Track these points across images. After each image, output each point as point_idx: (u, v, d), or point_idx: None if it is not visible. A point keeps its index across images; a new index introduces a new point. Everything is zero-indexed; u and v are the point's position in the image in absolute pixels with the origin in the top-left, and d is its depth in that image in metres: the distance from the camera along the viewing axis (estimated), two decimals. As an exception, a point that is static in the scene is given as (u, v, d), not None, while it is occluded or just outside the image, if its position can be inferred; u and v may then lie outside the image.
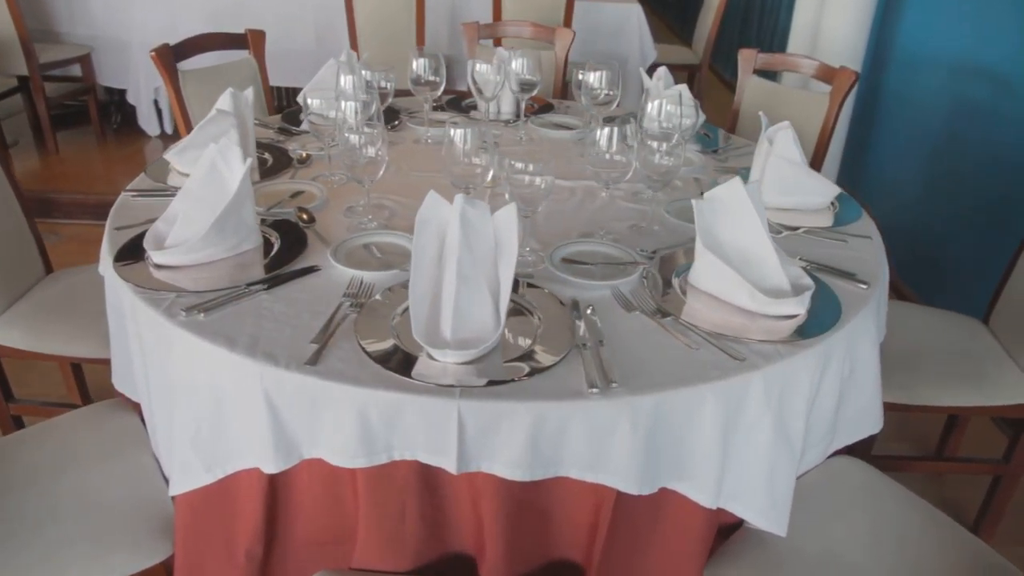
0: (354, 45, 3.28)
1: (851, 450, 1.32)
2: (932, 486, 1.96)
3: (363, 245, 1.28)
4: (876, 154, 3.05)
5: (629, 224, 1.42)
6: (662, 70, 1.85)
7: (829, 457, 1.28)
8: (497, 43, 2.95)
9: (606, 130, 1.26)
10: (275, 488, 1.08)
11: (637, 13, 3.57)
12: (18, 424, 1.82)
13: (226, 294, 1.12)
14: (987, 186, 2.38)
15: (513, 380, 0.95)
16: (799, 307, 1.13)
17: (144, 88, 3.82)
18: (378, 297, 1.12)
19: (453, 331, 1.00)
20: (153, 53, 2.08)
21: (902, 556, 1.15)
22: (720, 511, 1.07)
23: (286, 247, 1.26)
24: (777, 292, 1.14)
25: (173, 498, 1.19)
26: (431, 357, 0.99)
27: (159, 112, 3.94)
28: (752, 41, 4.45)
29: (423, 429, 0.95)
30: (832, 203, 1.55)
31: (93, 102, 3.93)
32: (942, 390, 1.59)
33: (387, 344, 1.02)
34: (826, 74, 2.18)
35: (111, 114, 4.19)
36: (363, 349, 1.00)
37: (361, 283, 1.16)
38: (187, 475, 1.07)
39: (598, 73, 1.68)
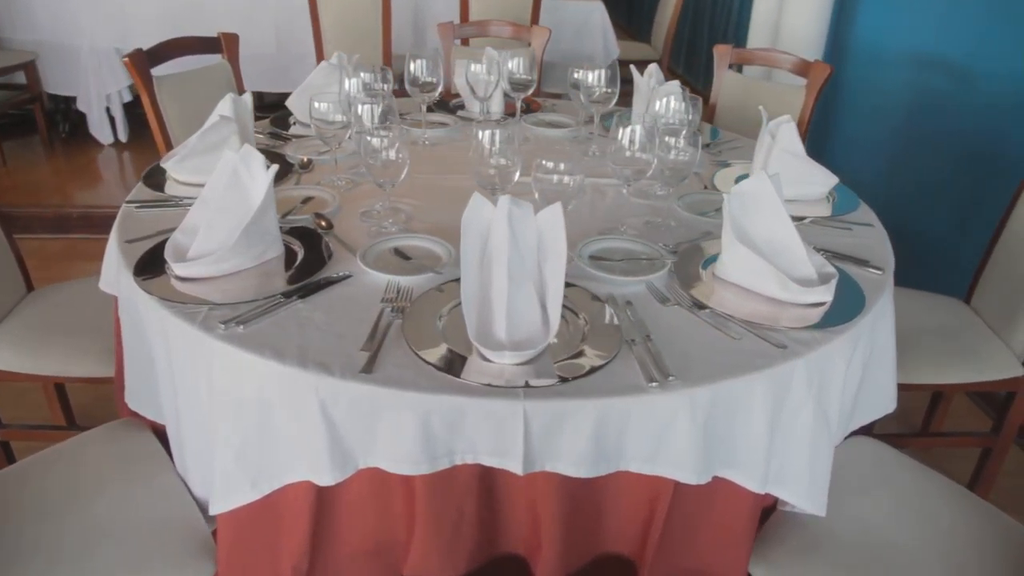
0: (319, 47, 3.22)
1: (856, 430, 1.37)
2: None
3: (390, 249, 1.27)
4: (838, 144, 3.16)
5: (644, 220, 1.44)
6: (653, 67, 1.88)
7: (846, 438, 1.33)
8: (464, 43, 2.95)
9: (629, 128, 1.28)
10: (322, 500, 1.06)
11: (600, 11, 3.61)
12: (5, 450, 1.74)
13: (261, 305, 1.09)
14: (950, 174, 2.49)
15: (577, 378, 0.96)
16: (827, 295, 1.17)
17: (95, 95, 3.68)
18: (419, 301, 1.11)
19: (508, 332, 1.00)
20: (127, 59, 2.00)
21: (929, 527, 1.20)
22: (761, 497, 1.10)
23: (312, 255, 1.24)
24: (806, 281, 1.17)
25: (213, 517, 1.17)
26: (485, 359, 0.99)
27: (111, 120, 3.80)
28: (707, 37, 4.55)
29: (487, 432, 0.94)
30: (830, 193, 1.60)
31: (40, 110, 3.76)
32: (935, 368, 1.67)
33: (440, 348, 1.01)
34: (801, 68, 2.25)
35: (59, 123, 4.01)
36: (417, 354, 0.99)
37: (398, 288, 1.15)
38: (232, 492, 1.04)
39: (597, 72, 1.69)
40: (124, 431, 1.34)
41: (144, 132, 2.32)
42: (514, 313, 1.01)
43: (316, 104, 1.43)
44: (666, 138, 1.31)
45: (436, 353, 1.00)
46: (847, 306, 1.17)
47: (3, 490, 1.19)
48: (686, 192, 1.56)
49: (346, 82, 1.53)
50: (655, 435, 0.98)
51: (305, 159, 1.64)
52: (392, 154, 1.25)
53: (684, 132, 1.32)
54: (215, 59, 2.30)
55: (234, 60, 2.30)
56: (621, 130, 1.28)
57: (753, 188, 1.20)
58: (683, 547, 1.11)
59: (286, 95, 2.02)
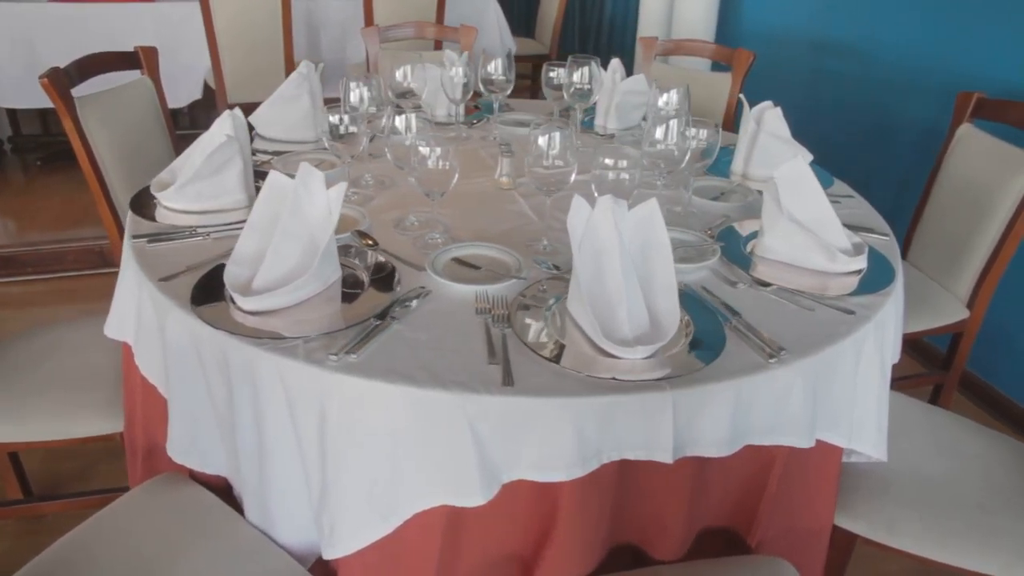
0: (214, 56, 3.01)
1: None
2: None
3: (451, 260, 1.24)
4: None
5: (666, 209, 1.49)
6: (615, 62, 1.95)
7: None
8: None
9: (664, 124, 1.32)
10: (451, 521, 1.03)
11: (494, 7, 3.64)
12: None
13: (359, 331, 1.04)
14: (852, 147, 2.77)
15: (710, 363, 1.00)
16: (864, 262, 1.28)
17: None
18: (517, 308, 1.10)
19: (633, 328, 1.02)
20: (44, 79, 1.79)
21: (960, 457, 1.35)
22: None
23: (376, 274, 1.19)
24: (847, 251, 1.28)
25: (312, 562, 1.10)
26: (613, 356, 1.00)
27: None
28: (594, 29, 4.69)
29: (637, 427, 0.96)
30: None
31: None
32: (896, 319, 1.87)
33: (566, 351, 1.01)
34: (725, 56, 2.41)
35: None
36: (548, 359, 0.99)
37: (488, 297, 1.13)
38: (361, 531, 0.99)
39: (584, 69, 1.73)
40: (170, 487, 1.22)
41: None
42: (634, 308, 1.03)
43: (332, 117, 1.36)
44: (693, 129, 1.38)
45: (568, 356, 1.00)
46: (878, 269, 1.30)
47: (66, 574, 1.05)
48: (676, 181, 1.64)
49: (353, 93, 1.46)
50: (775, 407, 1.04)
51: (304, 175, 1.54)
52: (443, 162, 1.23)
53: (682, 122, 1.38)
54: (132, 75, 2.10)
55: (155, 75, 2.12)
56: (657, 128, 1.32)
57: (793, 172, 1.29)
58: (783, 509, 1.18)
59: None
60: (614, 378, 0.96)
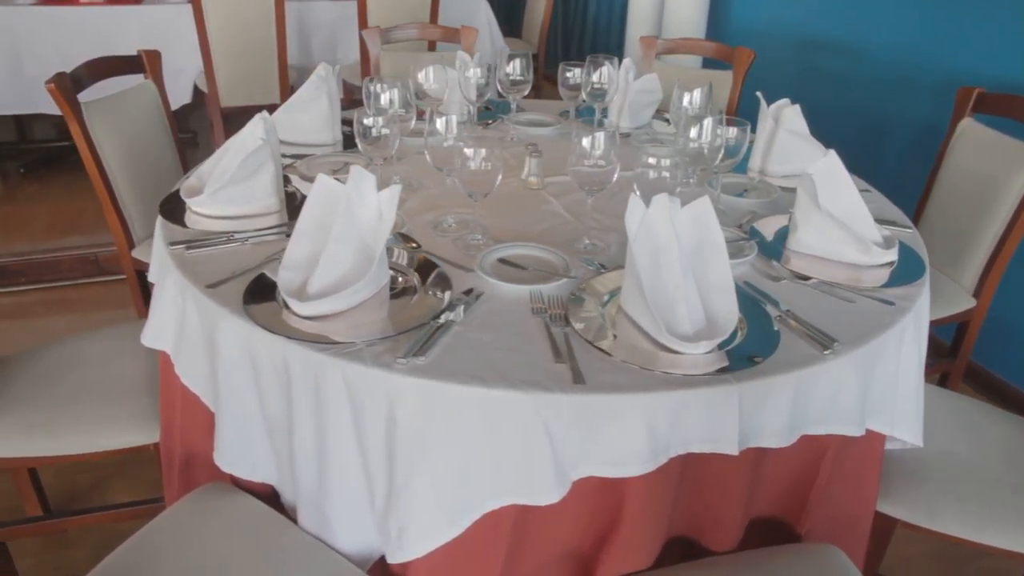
0: (207, 59, 2.97)
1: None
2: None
3: (496, 261, 1.24)
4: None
5: (692, 205, 1.52)
6: (628, 62, 1.96)
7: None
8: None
9: (698, 124, 1.34)
10: (519, 519, 1.04)
11: (485, 7, 3.64)
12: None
13: (422, 333, 1.04)
14: (848, 143, 2.82)
15: (771, 357, 1.02)
16: (895, 254, 1.32)
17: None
18: (573, 307, 1.11)
19: (693, 324, 1.04)
20: (50, 85, 1.76)
21: (985, 439, 1.40)
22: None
23: (425, 276, 1.19)
24: (880, 244, 1.32)
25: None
26: (675, 351, 1.02)
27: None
28: (578, 29, 4.71)
29: (704, 420, 0.98)
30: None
31: None
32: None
33: (629, 348, 1.03)
34: (725, 54, 2.45)
35: None
36: (613, 357, 1.00)
37: (543, 297, 1.14)
38: (432, 533, 1.00)
39: (602, 69, 1.75)
40: (218, 497, 1.21)
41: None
42: (692, 304, 1.05)
43: (367, 120, 1.35)
44: (725, 127, 1.40)
45: (631, 353, 1.01)
46: (907, 261, 1.33)
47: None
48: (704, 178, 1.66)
49: (384, 96, 1.46)
50: (829, 397, 1.06)
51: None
52: (486, 163, 1.23)
53: (742, 122, 1.40)
54: (136, 80, 2.07)
55: (158, 79, 2.09)
56: (694, 127, 1.34)
57: (827, 167, 1.33)
58: (831, 497, 1.21)
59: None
60: (684, 373, 0.98)
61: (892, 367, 1.15)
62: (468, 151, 1.22)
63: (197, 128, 4.04)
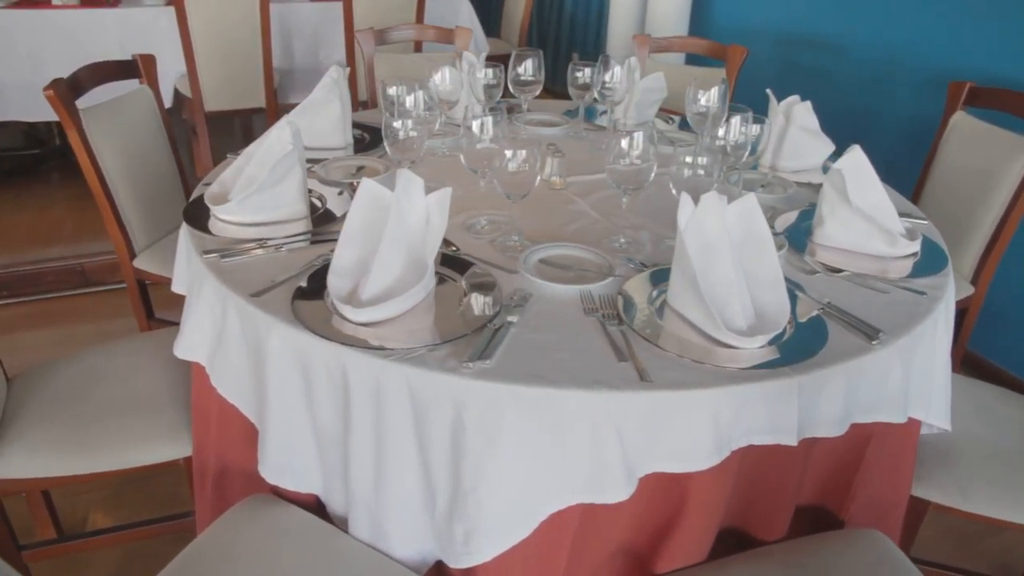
0: (190, 62, 2.91)
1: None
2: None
3: (537, 262, 1.25)
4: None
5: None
6: (633, 60, 1.98)
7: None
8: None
9: (726, 124, 1.37)
10: (584, 516, 1.04)
11: (467, 7, 3.63)
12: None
13: (482, 337, 1.03)
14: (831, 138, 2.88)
15: (824, 348, 1.04)
16: (918, 245, 1.36)
17: None
18: (625, 306, 1.12)
19: (746, 319, 1.06)
20: (48, 91, 1.71)
21: (1002, 422, 1.45)
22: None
23: (471, 279, 1.18)
24: (904, 236, 1.35)
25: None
26: (731, 346, 1.04)
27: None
28: (554, 27, 4.72)
29: (765, 412, 1.00)
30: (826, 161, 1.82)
31: None
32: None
33: (686, 345, 1.04)
34: (718, 52, 2.49)
35: None
36: (675, 354, 1.02)
37: (592, 297, 1.14)
38: (505, 535, 1.00)
39: (616, 69, 1.76)
40: (264, 509, 1.19)
41: None
42: (744, 299, 1.06)
43: (396, 123, 1.35)
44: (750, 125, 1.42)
45: (687, 349, 1.03)
46: (929, 251, 1.38)
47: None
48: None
49: (408, 97, 1.45)
50: (877, 386, 1.09)
51: (356, 184, 1.52)
52: (526, 165, 1.23)
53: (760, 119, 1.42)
54: (131, 85, 2.01)
55: (154, 83, 2.04)
56: (723, 125, 1.36)
57: (853, 161, 1.36)
58: (872, 483, 1.24)
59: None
60: (745, 367, 0.99)
61: (929, 354, 1.19)
62: (508, 152, 1.22)
63: (177, 134, 3.94)
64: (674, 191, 1.28)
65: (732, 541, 1.19)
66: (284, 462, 1.15)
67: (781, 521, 1.17)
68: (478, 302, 1.12)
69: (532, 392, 0.95)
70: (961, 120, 2.01)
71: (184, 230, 1.35)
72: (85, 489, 1.87)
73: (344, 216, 1.36)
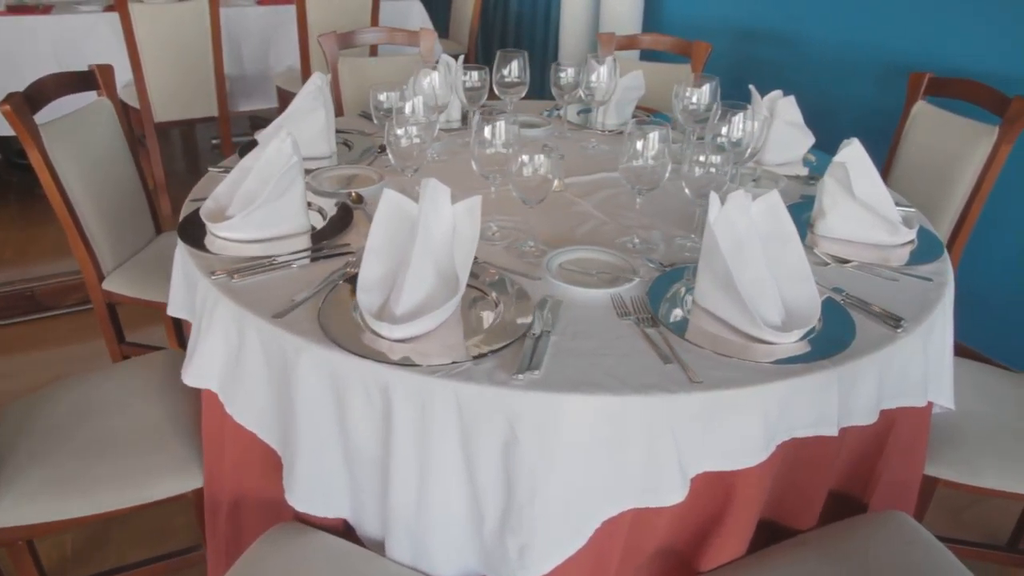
0: (137, 71, 2.77)
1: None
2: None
3: (559, 267, 1.23)
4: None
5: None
6: (612, 60, 1.99)
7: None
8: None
9: (728, 122, 1.38)
10: (635, 519, 1.04)
11: (418, 10, 3.59)
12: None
13: (524, 347, 1.01)
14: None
15: (857, 338, 1.07)
16: (915, 233, 1.41)
17: None
18: (658, 307, 1.12)
19: (778, 314, 1.07)
20: (5, 106, 1.60)
21: (995, 399, 1.51)
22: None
23: (498, 288, 1.16)
24: (903, 224, 1.40)
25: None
26: (767, 342, 1.05)
27: None
28: (499, 26, 4.69)
29: (808, 405, 1.01)
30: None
31: None
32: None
33: (725, 344, 1.05)
34: (683, 48, 2.52)
35: None
36: (716, 353, 1.02)
37: (624, 300, 1.14)
38: (557, 548, 0.99)
39: (601, 69, 1.76)
40: (290, 539, 1.14)
41: None
42: (775, 295, 1.08)
43: (398, 130, 1.31)
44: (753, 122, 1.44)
45: (726, 347, 1.04)
46: (923, 238, 1.43)
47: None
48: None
49: (408, 104, 1.41)
50: (901, 372, 1.12)
51: (354, 194, 1.47)
52: (543, 170, 1.22)
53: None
54: (89, 98, 1.91)
55: (113, 95, 1.93)
56: (730, 122, 1.38)
57: (853, 154, 1.39)
58: (891, 465, 1.27)
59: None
60: (786, 362, 1.00)
61: (940, 338, 1.23)
62: (525, 157, 1.21)
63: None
64: (687, 191, 1.29)
65: (764, 532, 1.21)
66: (314, 488, 1.11)
67: (815, 510, 1.19)
68: (511, 311, 1.10)
69: (589, 400, 0.94)
70: (923, 109, 2.10)
71: (181, 250, 1.28)
72: (65, 528, 1.76)
73: (347, 228, 1.34)
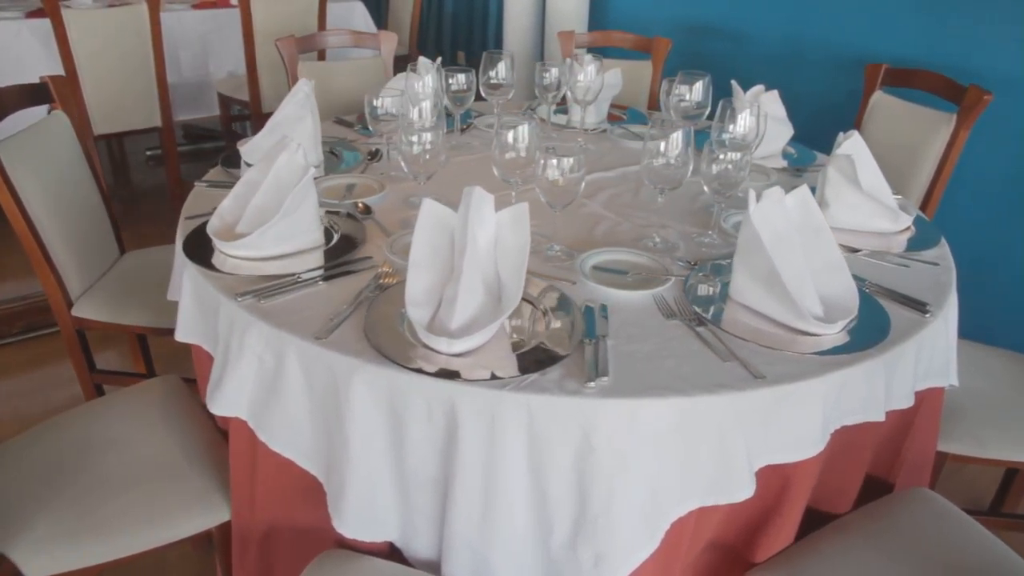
0: (73, 82, 2.59)
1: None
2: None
3: (591, 269, 1.23)
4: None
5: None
6: (589, 57, 1.99)
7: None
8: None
9: (735, 121, 1.41)
10: (698, 519, 1.04)
11: (361, 11, 3.50)
12: None
13: (587, 354, 1.00)
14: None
15: (894, 326, 1.11)
16: (911, 220, 1.47)
17: None
18: (705, 305, 1.13)
19: (819, 306, 1.10)
20: (-41, 126, 1.47)
21: (994, 378, 1.59)
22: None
23: (539, 295, 1.15)
24: (901, 211, 1.46)
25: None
26: (811, 333, 1.07)
27: None
28: (434, 25, 4.63)
29: (858, 394, 1.04)
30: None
31: None
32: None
33: (774, 338, 1.06)
34: (644, 45, 2.56)
35: None
36: (764, 347, 1.04)
37: (666, 300, 1.14)
38: (633, 553, 0.99)
39: (590, 68, 1.76)
40: (339, 566, 1.09)
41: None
42: (812, 287, 1.11)
43: (411, 137, 1.27)
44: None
45: (774, 341, 1.05)
46: (918, 225, 1.49)
47: None
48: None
49: (414, 111, 1.37)
50: (928, 354, 1.17)
51: (361, 204, 1.42)
52: (572, 173, 1.21)
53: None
54: (40, 112, 1.77)
55: (70, 108, 1.80)
56: (739, 117, 1.40)
57: (854, 147, 1.44)
58: (913, 446, 1.32)
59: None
60: (837, 352, 1.03)
61: (953, 320, 1.29)
62: (552, 161, 1.19)
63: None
64: (706, 188, 1.30)
65: (803, 519, 1.24)
66: (364, 512, 1.06)
67: (853, 494, 1.23)
68: (558, 318, 1.09)
69: (665, 403, 0.94)
70: (881, 100, 2.20)
71: (192, 272, 1.21)
72: None
73: (363, 241, 1.29)
